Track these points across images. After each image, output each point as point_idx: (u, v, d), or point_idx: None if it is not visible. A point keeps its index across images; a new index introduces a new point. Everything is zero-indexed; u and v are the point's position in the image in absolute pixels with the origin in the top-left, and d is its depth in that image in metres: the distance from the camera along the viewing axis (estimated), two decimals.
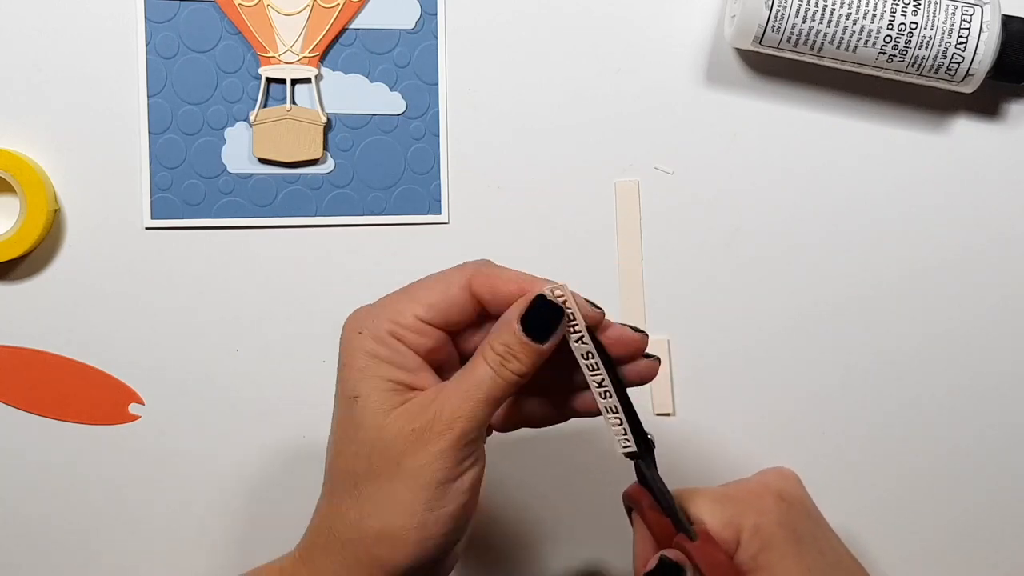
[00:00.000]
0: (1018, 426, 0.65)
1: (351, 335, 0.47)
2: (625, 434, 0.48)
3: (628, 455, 0.48)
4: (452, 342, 0.49)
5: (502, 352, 0.46)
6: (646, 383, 0.49)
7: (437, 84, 0.62)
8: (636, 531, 0.50)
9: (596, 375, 0.47)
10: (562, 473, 0.64)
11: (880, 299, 0.64)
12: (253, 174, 0.62)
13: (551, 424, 0.50)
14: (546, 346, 0.46)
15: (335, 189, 0.62)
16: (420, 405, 0.45)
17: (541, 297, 0.46)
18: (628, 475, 0.49)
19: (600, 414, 0.48)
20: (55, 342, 0.62)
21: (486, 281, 0.47)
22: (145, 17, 0.61)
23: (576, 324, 0.46)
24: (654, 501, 0.48)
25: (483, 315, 0.48)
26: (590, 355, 0.47)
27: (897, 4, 0.58)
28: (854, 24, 0.58)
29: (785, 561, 0.48)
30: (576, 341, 0.47)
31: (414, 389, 0.46)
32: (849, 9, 0.58)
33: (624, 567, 0.64)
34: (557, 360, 0.47)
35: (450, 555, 0.47)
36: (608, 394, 0.47)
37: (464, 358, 0.49)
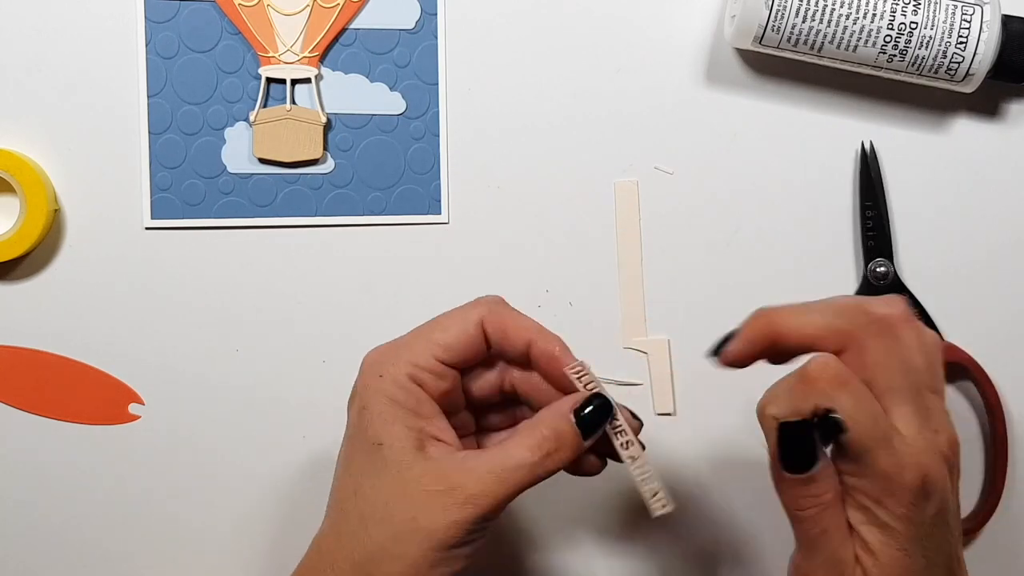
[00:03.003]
0: None
1: (371, 378, 0.48)
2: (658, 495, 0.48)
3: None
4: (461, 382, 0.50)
5: (552, 439, 0.46)
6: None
7: (437, 84, 0.62)
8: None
9: (639, 467, 0.48)
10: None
11: None
12: (253, 174, 0.62)
13: None
14: (588, 443, 0.47)
15: (335, 189, 0.62)
16: (446, 468, 0.46)
17: (596, 395, 0.47)
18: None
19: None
20: (55, 342, 0.62)
21: (498, 323, 0.48)
22: (145, 17, 0.61)
23: (619, 423, 0.48)
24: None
25: (492, 354, 0.49)
26: (628, 444, 0.48)
27: (897, 4, 0.58)
28: (854, 24, 0.58)
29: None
30: (616, 433, 0.48)
31: (432, 438, 0.47)
32: (849, 9, 0.58)
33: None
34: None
35: None
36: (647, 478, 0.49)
37: (468, 398, 0.50)
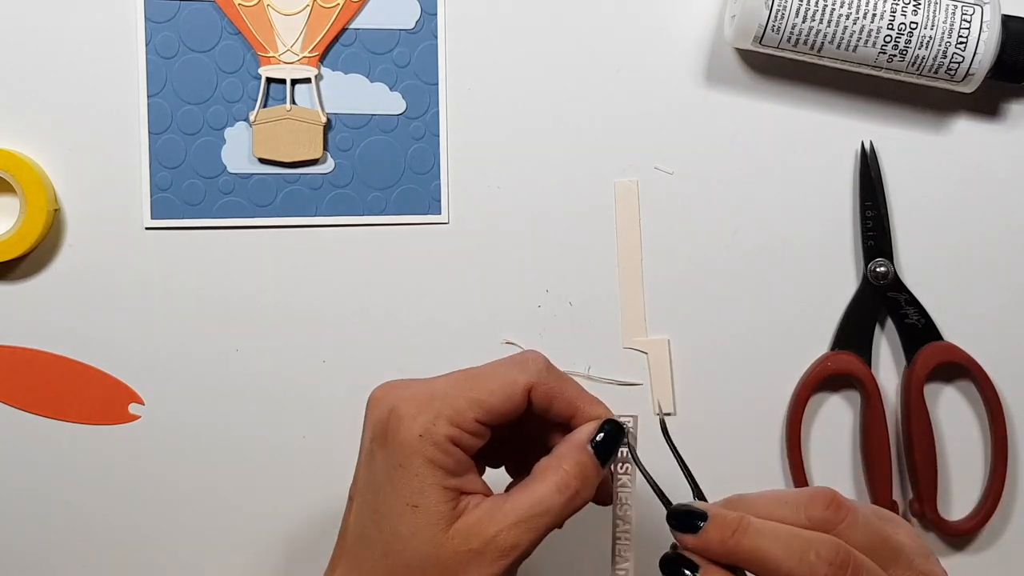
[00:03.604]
0: None
1: (409, 435, 0.45)
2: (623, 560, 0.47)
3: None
4: None
5: (577, 476, 0.46)
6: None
7: (437, 84, 0.62)
8: None
9: (625, 491, 0.48)
10: None
11: None
12: (253, 174, 0.62)
13: None
14: (605, 470, 0.47)
15: (335, 189, 0.62)
16: (476, 524, 0.45)
17: (609, 421, 0.47)
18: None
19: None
20: (55, 342, 0.62)
21: (545, 393, 0.47)
22: (145, 17, 0.61)
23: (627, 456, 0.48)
24: None
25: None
26: (626, 471, 0.47)
27: (897, 4, 0.58)
28: (854, 24, 0.58)
29: None
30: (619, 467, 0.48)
31: (464, 493, 0.46)
32: (849, 9, 0.58)
33: None
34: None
35: None
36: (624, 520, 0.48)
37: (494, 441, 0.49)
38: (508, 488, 0.49)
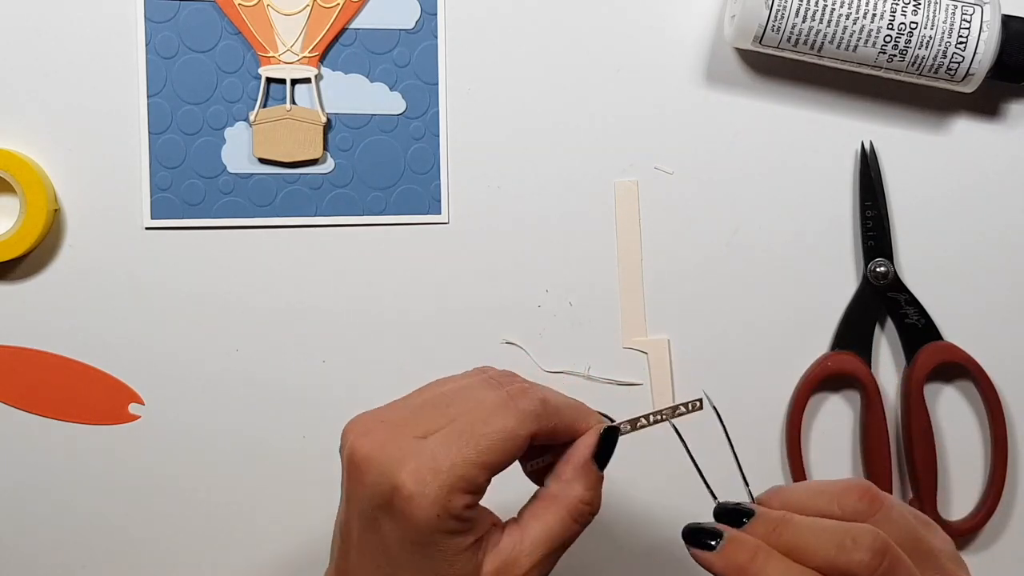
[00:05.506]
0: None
1: (427, 516, 0.43)
2: None
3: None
4: None
5: (591, 502, 0.46)
6: None
7: (437, 84, 0.62)
8: None
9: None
10: None
11: None
12: (253, 174, 0.62)
13: None
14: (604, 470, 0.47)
15: (335, 189, 0.62)
16: (503, 567, 0.45)
17: (604, 429, 0.47)
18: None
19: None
20: (55, 342, 0.62)
21: (549, 432, 0.46)
22: (145, 17, 0.61)
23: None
24: None
25: None
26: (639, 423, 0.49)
27: (897, 4, 0.58)
28: (854, 24, 0.58)
29: None
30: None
31: (482, 539, 0.45)
32: (849, 9, 0.58)
33: None
34: None
35: None
36: None
37: None
38: (520, 512, 0.48)
